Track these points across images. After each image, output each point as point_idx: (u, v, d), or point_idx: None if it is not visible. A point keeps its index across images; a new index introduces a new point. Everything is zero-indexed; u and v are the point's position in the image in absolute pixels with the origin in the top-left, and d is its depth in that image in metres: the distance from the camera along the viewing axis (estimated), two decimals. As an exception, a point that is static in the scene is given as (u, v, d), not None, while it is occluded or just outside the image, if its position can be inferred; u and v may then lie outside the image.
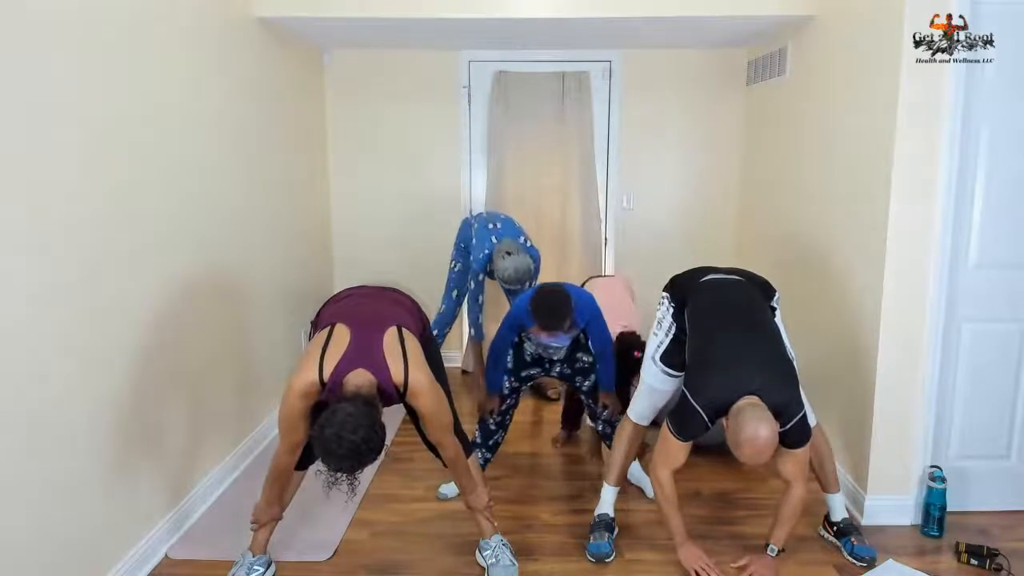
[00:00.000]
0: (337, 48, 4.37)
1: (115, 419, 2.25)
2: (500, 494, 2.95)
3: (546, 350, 2.74)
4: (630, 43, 4.22)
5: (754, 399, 2.06)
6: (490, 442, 2.98)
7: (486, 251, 3.57)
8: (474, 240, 3.65)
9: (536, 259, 3.63)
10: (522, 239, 3.68)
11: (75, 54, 2.05)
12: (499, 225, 3.69)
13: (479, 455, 2.95)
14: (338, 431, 1.78)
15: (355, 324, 2.09)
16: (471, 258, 3.67)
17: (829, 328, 3.01)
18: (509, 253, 3.44)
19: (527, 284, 3.47)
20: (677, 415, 2.21)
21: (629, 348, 2.99)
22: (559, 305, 2.61)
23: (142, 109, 2.39)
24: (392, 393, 2.04)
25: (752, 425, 1.98)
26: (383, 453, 1.90)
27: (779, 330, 2.32)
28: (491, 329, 4.62)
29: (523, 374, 2.92)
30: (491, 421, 2.96)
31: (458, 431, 2.39)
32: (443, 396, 2.19)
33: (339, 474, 1.87)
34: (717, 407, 2.13)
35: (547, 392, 4.16)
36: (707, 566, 2.33)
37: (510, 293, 3.69)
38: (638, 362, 2.78)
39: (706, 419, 2.14)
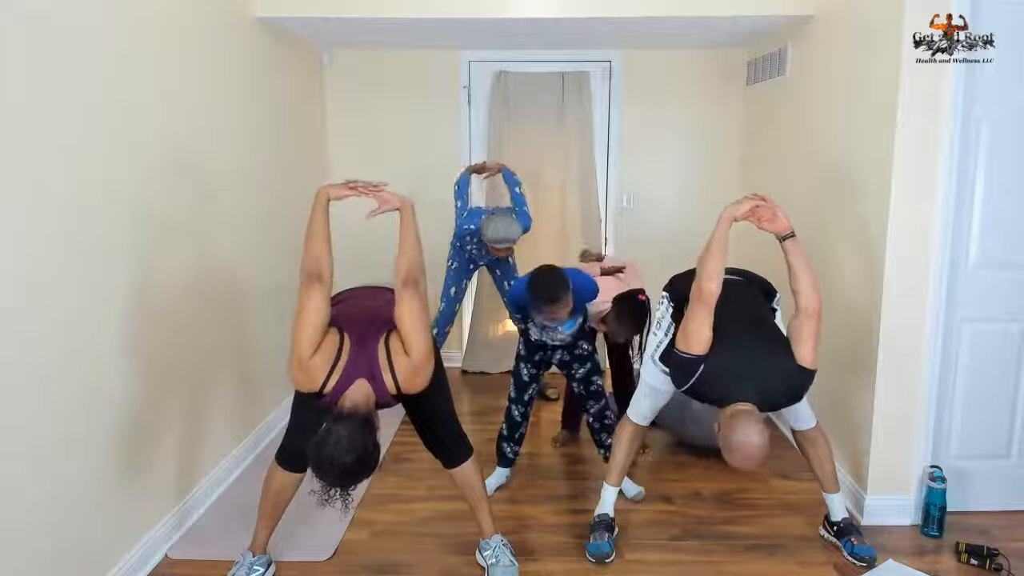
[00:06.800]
0: (337, 48, 4.37)
1: (115, 419, 2.25)
2: (500, 494, 2.95)
3: (548, 334, 2.78)
4: (630, 43, 4.22)
5: (748, 405, 2.07)
6: (516, 434, 3.00)
7: (472, 226, 3.61)
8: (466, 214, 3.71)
9: (526, 229, 3.62)
10: (512, 215, 3.71)
11: (74, 54, 2.05)
12: (491, 209, 3.75)
13: (508, 449, 2.99)
14: (333, 452, 1.82)
15: (354, 333, 2.09)
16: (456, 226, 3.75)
17: (829, 328, 3.00)
18: (494, 214, 3.52)
19: (511, 245, 3.55)
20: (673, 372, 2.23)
21: (631, 299, 2.94)
22: (554, 284, 2.64)
23: (141, 109, 2.39)
24: (389, 400, 2.06)
25: (743, 433, 2.00)
26: (377, 469, 1.93)
27: (780, 331, 2.32)
28: (488, 326, 4.65)
29: (536, 358, 2.97)
30: (516, 412, 2.98)
31: (457, 431, 2.39)
32: (429, 349, 2.08)
33: (333, 490, 1.90)
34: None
35: (547, 392, 4.16)
36: (749, 199, 2.25)
37: (495, 264, 3.76)
38: (644, 306, 2.91)
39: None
